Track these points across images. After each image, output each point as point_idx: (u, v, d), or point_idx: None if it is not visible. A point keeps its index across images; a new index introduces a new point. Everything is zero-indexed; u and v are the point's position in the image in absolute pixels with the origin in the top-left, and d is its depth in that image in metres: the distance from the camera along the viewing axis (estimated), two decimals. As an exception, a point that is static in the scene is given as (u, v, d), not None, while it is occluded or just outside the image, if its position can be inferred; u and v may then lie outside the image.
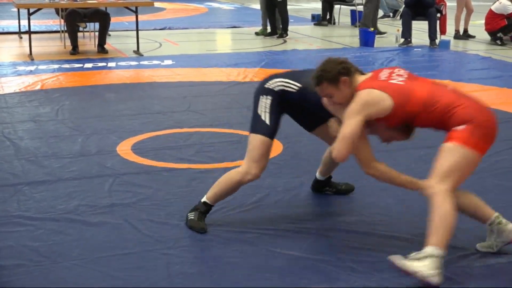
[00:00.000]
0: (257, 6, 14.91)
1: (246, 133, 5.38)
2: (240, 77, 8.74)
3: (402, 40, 11.75)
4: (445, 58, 10.72)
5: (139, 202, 4.35)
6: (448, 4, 12.59)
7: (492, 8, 12.02)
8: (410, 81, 3.56)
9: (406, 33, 11.70)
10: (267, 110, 3.89)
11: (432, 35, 11.69)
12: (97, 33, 10.91)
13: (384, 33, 13.01)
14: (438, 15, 11.86)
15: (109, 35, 11.78)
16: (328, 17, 15.09)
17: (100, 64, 9.71)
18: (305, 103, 3.91)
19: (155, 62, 9.93)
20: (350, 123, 3.47)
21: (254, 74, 8.86)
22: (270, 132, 3.90)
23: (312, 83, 3.64)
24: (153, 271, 3.39)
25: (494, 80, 8.63)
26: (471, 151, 3.33)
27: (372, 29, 12.03)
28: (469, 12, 12.98)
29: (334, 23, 15.21)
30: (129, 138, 5.78)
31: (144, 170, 5.00)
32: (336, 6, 15.19)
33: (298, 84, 3.88)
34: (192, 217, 3.94)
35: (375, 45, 11.67)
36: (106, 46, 10.80)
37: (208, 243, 3.76)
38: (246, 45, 11.97)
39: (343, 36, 13.22)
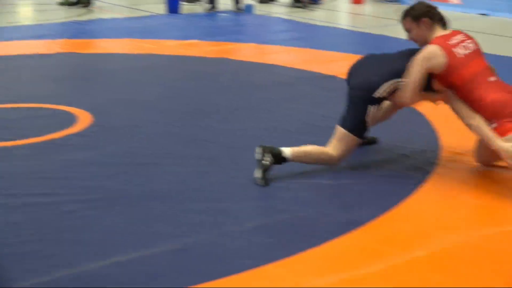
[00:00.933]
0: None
1: (55, 106, 5.23)
2: (44, 49, 8.41)
3: (207, 6, 11.85)
4: (249, 22, 10.94)
5: None
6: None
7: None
8: (469, 57, 3.88)
9: (211, -1, 11.82)
10: (368, 117, 4.14)
11: (236, 0, 11.88)
12: None
13: (197, 0, 12.93)
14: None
15: None
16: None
17: None
18: None
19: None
20: (412, 72, 3.94)
21: (60, 46, 8.58)
22: (361, 134, 4.21)
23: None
24: None
25: (296, 41, 8.95)
26: None
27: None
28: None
29: (140, -9, 15.03)
30: None
31: None
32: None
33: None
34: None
35: (182, 11, 11.66)
36: None
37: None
38: (50, 16, 11.51)
39: (149, 4, 13.07)
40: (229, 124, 5.23)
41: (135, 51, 8.25)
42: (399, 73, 4.06)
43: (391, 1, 13.24)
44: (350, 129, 4.15)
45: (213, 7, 11.83)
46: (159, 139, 4.89)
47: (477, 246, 3.28)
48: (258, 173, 3.99)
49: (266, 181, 3.97)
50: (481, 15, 11.56)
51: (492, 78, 3.90)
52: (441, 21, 4.14)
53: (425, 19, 4.07)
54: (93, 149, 4.66)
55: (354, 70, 4.33)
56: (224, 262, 3.11)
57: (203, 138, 4.89)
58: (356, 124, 4.17)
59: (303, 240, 3.31)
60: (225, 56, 7.99)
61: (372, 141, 4.71)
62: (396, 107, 4.31)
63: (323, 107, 5.72)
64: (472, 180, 4.17)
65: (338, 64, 7.41)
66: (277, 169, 4.05)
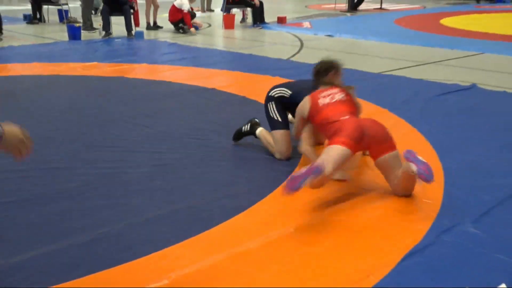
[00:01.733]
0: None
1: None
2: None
3: (104, 33, 11.56)
4: (141, 45, 10.78)
5: None
6: (138, 1, 12.62)
7: (174, 3, 12.41)
8: (332, 104, 3.93)
9: (107, 26, 11.53)
10: (275, 111, 4.47)
11: (128, 28, 11.67)
12: None
13: (96, 29, 12.52)
14: (132, 11, 11.86)
15: None
16: (38, 16, 14.25)
17: None
18: (296, 105, 4.22)
19: None
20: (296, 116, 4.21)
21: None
22: (284, 125, 4.44)
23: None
24: None
25: (181, 61, 8.90)
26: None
27: (77, 24, 11.63)
28: (156, 8, 13.19)
29: (44, 21, 14.42)
30: None
31: None
32: (45, 6, 14.38)
33: (290, 91, 4.46)
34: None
35: (82, 38, 11.31)
36: None
37: None
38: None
39: (53, 32, 12.58)
40: (129, 131, 5.12)
41: (43, 73, 7.91)
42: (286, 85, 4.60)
43: (257, 26, 13.45)
44: (272, 129, 4.51)
45: (108, 34, 11.54)
46: (68, 146, 4.70)
47: (332, 221, 3.37)
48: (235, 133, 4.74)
49: (235, 139, 4.73)
50: (328, 36, 11.91)
51: (345, 117, 3.81)
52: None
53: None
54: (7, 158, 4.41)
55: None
56: (130, 249, 3.03)
57: (107, 144, 4.76)
58: (272, 122, 4.52)
59: (198, 225, 3.29)
60: (122, 75, 7.80)
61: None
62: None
63: (207, 114, 5.72)
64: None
65: (216, 79, 7.45)
66: (176, 166, 3.99)
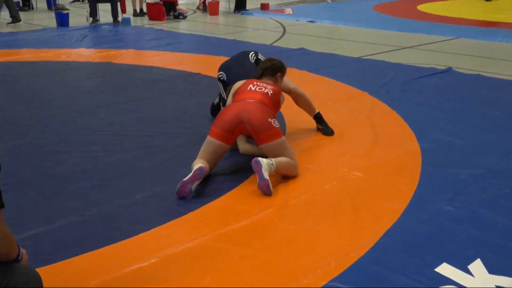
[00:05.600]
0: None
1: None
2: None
3: (91, 19, 11.39)
4: (128, 32, 10.64)
5: None
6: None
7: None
8: (254, 91, 3.91)
9: (94, 13, 11.35)
10: (224, 91, 4.49)
11: (114, 14, 11.51)
12: None
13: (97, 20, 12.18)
14: (118, -3, 11.71)
15: None
16: (27, 3, 14.02)
17: None
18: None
19: None
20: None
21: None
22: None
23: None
24: None
25: (167, 46, 8.79)
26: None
27: (65, 11, 11.45)
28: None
29: (33, 8, 14.18)
30: None
31: None
32: (32, -7, 14.16)
33: (227, 76, 4.46)
34: None
35: (70, 24, 11.15)
36: None
37: None
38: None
39: (42, 19, 12.38)
40: (117, 116, 5.06)
41: (32, 59, 7.79)
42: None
43: (238, 13, 13.35)
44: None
45: (96, 20, 11.38)
46: (59, 130, 4.64)
47: (313, 202, 3.37)
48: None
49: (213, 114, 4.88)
50: (310, 22, 11.86)
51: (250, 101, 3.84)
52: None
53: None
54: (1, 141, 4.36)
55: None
56: (119, 229, 3.01)
57: (96, 128, 4.71)
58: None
59: (184, 206, 3.27)
60: (109, 60, 7.71)
61: None
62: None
63: (192, 98, 5.69)
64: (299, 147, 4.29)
65: (201, 64, 7.39)
66: (163, 149, 3.96)
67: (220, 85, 4.57)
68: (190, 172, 3.50)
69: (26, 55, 8.11)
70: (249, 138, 4.13)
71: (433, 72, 6.72)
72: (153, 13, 12.25)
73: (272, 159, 3.57)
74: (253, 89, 3.95)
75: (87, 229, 3.02)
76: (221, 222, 3.09)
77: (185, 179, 3.40)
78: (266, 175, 3.40)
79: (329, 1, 16.58)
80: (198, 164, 3.56)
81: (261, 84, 4.00)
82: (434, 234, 2.95)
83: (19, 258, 2.06)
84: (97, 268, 2.65)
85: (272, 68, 4.18)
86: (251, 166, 3.47)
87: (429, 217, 3.13)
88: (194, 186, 3.42)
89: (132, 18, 12.33)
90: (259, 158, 3.47)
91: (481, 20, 11.71)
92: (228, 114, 3.73)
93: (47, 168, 3.86)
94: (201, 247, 2.83)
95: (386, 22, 11.54)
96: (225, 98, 4.41)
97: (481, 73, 6.69)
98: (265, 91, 3.94)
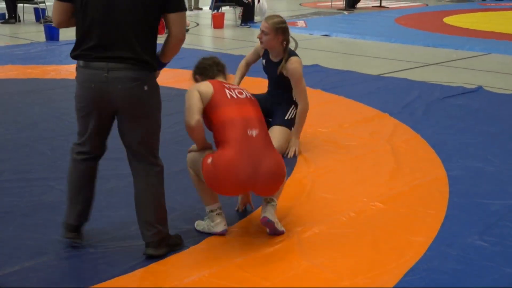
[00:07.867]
0: None
1: None
2: None
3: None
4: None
5: None
6: None
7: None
8: (239, 100, 3.37)
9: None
10: None
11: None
12: None
13: None
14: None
15: None
16: (13, 15, 14.22)
17: None
18: None
19: None
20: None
21: None
22: None
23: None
24: None
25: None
26: None
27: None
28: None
29: (20, 21, 14.38)
30: None
31: None
32: (20, 5, 14.34)
33: None
34: None
35: (60, 38, 11.28)
36: None
37: None
38: None
39: (29, 32, 12.55)
40: (111, 138, 5.08)
41: (18, 77, 7.87)
42: None
43: (245, 25, 13.47)
44: None
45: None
46: (47, 155, 4.68)
47: (334, 234, 3.37)
48: None
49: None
50: (324, 36, 11.94)
51: (252, 131, 3.32)
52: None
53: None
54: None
55: None
56: (115, 264, 3.01)
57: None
58: None
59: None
60: (103, 78, 7.76)
61: None
62: None
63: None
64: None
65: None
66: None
67: None
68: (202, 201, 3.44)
69: (12, 72, 8.20)
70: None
71: (462, 92, 6.73)
72: (215, 21, 12.50)
73: (274, 198, 3.35)
74: (234, 96, 3.38)
75: (76, 265, 3.03)
76: (226, 255, 3.09)
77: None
78: (279, 227, 3.35)
79: (346, 13, 16.72)
80: (220, 224, 3.35)
81: (232, 86, 3.49)
82: (463, 272, 2.93)
83: None
84: (87, 309, 2.65)
85: (220, 63, 3.70)
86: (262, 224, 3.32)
87: (457, 253, 3.11)
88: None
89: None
90: (269, 217, 3.26)
91: (514, 34, 11.76)
92: (230, 179, 3.21)
93: (33, 197, 3.88)
94: (201, 284, 2.83)
95: (409, 36, 11.61)
96: None
97: (515, 93, 6.71)
98: (247, 96, 3.47)
